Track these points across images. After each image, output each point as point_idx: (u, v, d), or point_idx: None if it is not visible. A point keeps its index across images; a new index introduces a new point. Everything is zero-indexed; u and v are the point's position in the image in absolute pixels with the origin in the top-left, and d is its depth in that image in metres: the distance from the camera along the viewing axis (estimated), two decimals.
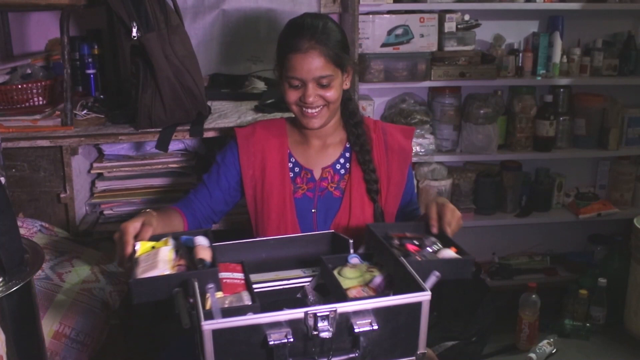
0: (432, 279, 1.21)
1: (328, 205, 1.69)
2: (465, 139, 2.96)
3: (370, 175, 1.68)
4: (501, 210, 3.11)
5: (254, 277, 1.37)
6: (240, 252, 1.42)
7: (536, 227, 3.23)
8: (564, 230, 3.27)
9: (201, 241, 1.33)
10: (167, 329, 1.89)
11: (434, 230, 1.41)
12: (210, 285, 1.14)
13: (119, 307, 1.76)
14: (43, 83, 2.10)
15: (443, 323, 2.49)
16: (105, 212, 2.12)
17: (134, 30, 1.86)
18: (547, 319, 2.78)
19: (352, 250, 1.40)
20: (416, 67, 2.79)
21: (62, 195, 1.97)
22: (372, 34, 2.72)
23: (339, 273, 1.31)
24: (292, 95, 1.60)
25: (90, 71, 2.30)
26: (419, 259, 1.28)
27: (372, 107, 2.81)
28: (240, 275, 1.29)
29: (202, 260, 1.25)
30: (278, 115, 2.05)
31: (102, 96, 2.28)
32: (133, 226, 1.35)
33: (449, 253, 1.31)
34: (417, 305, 1.13)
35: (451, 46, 2.81)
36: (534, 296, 2.71)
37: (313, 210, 1.69)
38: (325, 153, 1.72)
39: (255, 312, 1.10)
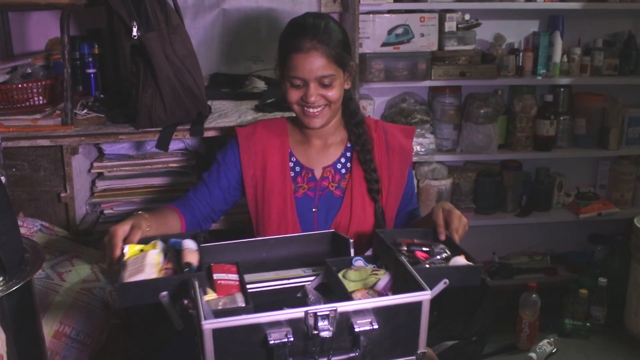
0: (440, 285, 1.21)
1: (329, 205, 1.69)
2: (465, 139, 2.96)
3: (371, 175, 1.68)
4: (501, 209, 3.11)
5: (254, 276, 1.38)
6: (241, 251, 1.42)
7: (536, 227, 3.23)
8: (564, 230, 3.26)
9: (188, 245, 1.32)
10: (167, 329, 1.88)
11: (442, 237, 1.41)
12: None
13: (119, 306, 1.76)
14: (43, 82, 2.10)
15: (443, 323, 2.48)
16: (105, 212, 2.12)
17: (134, 29, 1.86)
18: (547, 318, 2.78)
19: (352, 250, 1.40)
20: (416, 66, 2.79)
21: (62, 195, 1.97)
22: (372, 33, 2.72)
23: (343, 276, 1.30)
24: (294, 95, 1.60)
25: (91, 71, 2.30)
26: (428, 266, 1.28)
27: (373, 107, 2.81)
28: (235, 277, 1.29)
29: (188, 264, 1.25)
30: (278, 114, 2.05)
31: (102, 96, 2.28)
32: (122, 229, 1.35)
33: (461, 261, 1.31)
34: (417, 305, 1.13)
35: (451, 46, 2.81)
36: (534, 296, 2.70)
37: (314, 210, 1.69)
38: (326, 152, 1.72)
39: (248, 314, 1.09)
